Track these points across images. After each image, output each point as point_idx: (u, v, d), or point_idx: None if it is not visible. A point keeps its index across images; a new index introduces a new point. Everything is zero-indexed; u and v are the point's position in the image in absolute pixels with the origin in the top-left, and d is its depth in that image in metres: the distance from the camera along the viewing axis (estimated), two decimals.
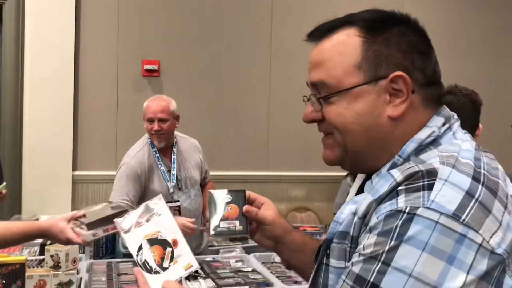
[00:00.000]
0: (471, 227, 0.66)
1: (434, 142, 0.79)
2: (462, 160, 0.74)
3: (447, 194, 0.68)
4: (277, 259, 2.50)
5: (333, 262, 0.80)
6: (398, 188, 0.72)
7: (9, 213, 3.49)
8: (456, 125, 0.83)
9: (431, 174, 0.71)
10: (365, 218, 0.75)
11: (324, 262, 0.83)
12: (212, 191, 1.12)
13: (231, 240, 2.75)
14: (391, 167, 0.78)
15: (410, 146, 0.79)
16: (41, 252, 2.41)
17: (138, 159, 2.68)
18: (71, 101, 3.69)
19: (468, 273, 0.65)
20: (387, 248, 0.67)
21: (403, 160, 0.78)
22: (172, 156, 2.75)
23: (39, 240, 2.71)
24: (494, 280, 0.67)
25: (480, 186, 0.71)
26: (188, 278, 2.18)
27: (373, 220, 0.72)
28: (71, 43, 3.68)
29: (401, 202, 0.69)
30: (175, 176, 2.72)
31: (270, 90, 4.10)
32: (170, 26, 3.95)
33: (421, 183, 0.70)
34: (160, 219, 1.09)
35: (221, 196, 1.10)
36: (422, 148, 0.79)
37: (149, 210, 1.11)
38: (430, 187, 0.69)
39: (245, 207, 1.08)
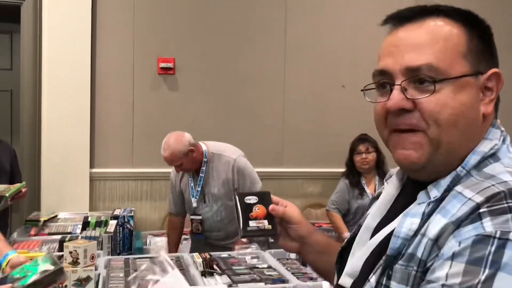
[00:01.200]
0: None
1: (493, 155, 0.77)
2: None
3: None
4: (292, 255, 2.50)
5: (393, 284, 0.74)
6: (480, 211, 0.67)
7: (29, 211, 3.55)
8: (509, 137, 0.81)
9: None
10: (437, 240, 0.70)
11: (384, 283, 0.77)
12: (237, 194, 1.14)
13: (261, 243, 2.81)
14: (454, 180, 0.75)
15: (473, 159, 0.76)
16: (60, 249, 2.45)
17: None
18: (88, 100, 3.74)
19: None
20: (483, 277, 0.63)
21: (466, 173, 0.75)
22: (200, 175, 2.92)
23: (58, 237, 2.77)
24: None
25: None
26: (204, 274, 2.20)
27: (453, 245, 0.67)
28: (88, 43, 3.72)
29: (488, 226, 0.65)
30: (199, 192, 2.92)
31: (285, 86, 4.10)
32: (185, 24, 3.97)
33: (506, 205, 0.66)
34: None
35: (246, 198, 1.12)
36: (482, 161, 0.76)
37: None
38: None
39: (272, 206, 1.09)
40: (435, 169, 0.78)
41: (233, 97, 4.03)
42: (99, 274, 2.14)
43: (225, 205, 2.91)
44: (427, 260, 0.70)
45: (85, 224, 3.07)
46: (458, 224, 0.68)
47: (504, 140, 0.79)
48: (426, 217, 0.74)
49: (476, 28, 0.79)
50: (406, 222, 0.75)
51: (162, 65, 3.90)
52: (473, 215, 0.67)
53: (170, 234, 3.09)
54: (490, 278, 0.62)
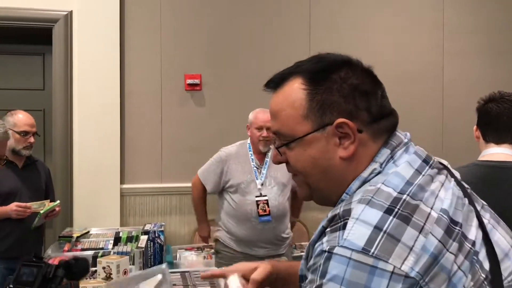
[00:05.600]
0: (380, 258, 0.73)
1: (378, 174, 0.86)
2: (384, 190, 0.81)
3: (357, 231, 0.76)
4: None
5: None
6: (326, 230, 0.81)
7: (61, 227, 3.63)
8: (400, 151, 0.89)
9: (346, 214, 0.79)
10: (307, 259, 0.85)
11: None
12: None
13: None
14: (338, 203, 0.87)
15: (355, 184, 0.87)
16: (94, 264, 2.50)
17: (227, 150, 3.21)
18: (118, 117, 3.83)
19: None
20: (314, 286, 0.77)
21: (349, 197, 0.86)
22: (266, 159, 3.17)
23: (91, 252, 2.83)
24: None
25: (390, 218, 0.77)
26: None
27: (311, 260, 0.81)
28: (117, 62, 3.82)
29: (325, 242, 0.79)
30: (264, 175, 3.12)
31: None
32: (210, 41, 4.04)
33: (339, 224, 0.79)
34: None
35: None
36: (365, 182, 0.86)
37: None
38: (344, 226, 0.78)
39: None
40: (326, 200, 0.93)
41: None
42: None
43: (283, 190, 3.12)
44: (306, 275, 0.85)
45: (117, 240, 3.13)
46: (314, 244, 0.83)
47: (392, 157, 0.88)
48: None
49: (324, 84, 0.88)
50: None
51: (189, 81, 3.97)
52: (322, 235, 0.82)
53: (201, 201, 3.23)
54: (320, 285, 0.76)
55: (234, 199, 3.10)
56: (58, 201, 3.10)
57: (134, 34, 3.92)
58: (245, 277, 1.10)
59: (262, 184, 3.10)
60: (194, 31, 4.02)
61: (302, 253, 3.23)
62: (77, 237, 3.29)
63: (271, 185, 3.11)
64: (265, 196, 3.07)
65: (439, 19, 4.37)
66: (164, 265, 1.20)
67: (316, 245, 0.81)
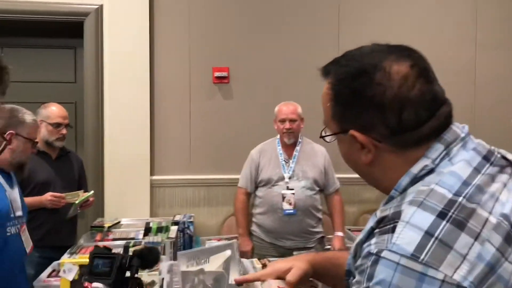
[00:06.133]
0: (430, 265, 0.71)
1: (431, 171, 0.82)
2: (438, 191, 0.77)
3: (406, 236, 0.73)
4: None
5: None
6: (374, 231, 0.79)
7: (93, 217, 3.71)
8: (457, 148, 0.83)
9: (396, 217, 0.77)
10: (355, 258, 0.84)
11: None
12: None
13: None
14: (388, 200, 0.85)
15: (404, 180, 0.84)
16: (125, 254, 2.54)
17: (258, 148, 3.30)
18: (148, 110, 3.88)
19: None
20: (363, 285, 0.76)
21: (399, 193, 0.84)
22: (294, 153, 3.20)
23: (122, 242, 2.88)
24: None
25: (443, 223, 0.73)
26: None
27: (359, 260, 0.80)
28: (146, 55, 3.87)
29: (373, 244, 0.77)
30: (292, 168, 3.14)
31: None
32: (238, 34, 4.04)
33: (388, 226, 0.77)
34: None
35: None
36: (417, 180, 0.83)
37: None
38: (393, 230, 0.75)
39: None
40: (376, 187, 0.93)
41: None
42: (162, 279, 2.20)
43: (310, 184, 3.15)
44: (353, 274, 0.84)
45: (147, 230, 3.18)
46: (361, 244, 0.82)
47: (448, 153, 0.83)
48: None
49: (345, 93, 0.87)
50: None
51: (217, 74, 3.99)
52: (370, 236, 0.80)
53: (242, 212, 3.25)
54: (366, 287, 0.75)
55: (262, 192, 3.18)
56: (92, 191, 3.17)
57: (164, 27, 3.95)
58: (281, 278, 1.11)
59: (289, 178, 3.12)
60: (223, 24, 4.03)
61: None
62: (109, 227, 3.36)
63: (299, 179, 3.14)
64: (292, 190, 3.09)
65: (471, 11, 4.27)
66: (233, 242, 1.21)
67: (364, 245, 0.80)
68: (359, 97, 0.85)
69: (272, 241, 3.14)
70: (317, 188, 3.19)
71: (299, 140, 3.25)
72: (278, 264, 1.15)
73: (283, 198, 3.08)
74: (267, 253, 3.04)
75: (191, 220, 3.19)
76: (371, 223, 0.82)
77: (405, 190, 0.83)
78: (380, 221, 0.79)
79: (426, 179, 0.81)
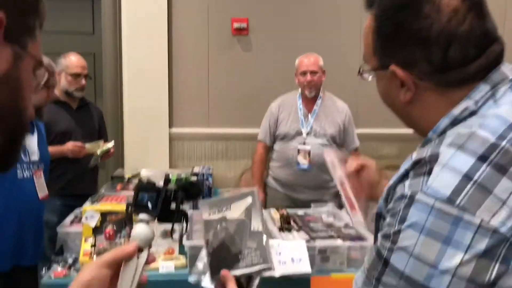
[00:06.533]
0: (467, 209, 0.68)
1: (473, 113, 0.78)
2: (479, 134, 0.73)
3: (443, 179, 0.71)
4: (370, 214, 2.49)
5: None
6: (409, 174, 0.76)
7: (113, 168, 3.76)
8: (504, 89, 0.78)
9: (433, 159, 0.74)
10: (387, 201, 0.81)
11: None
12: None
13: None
14: (424, 143, 0.82)
15: (444, 122, 0.80)
16: None
17: (278, 101, 3.26)
18: (166, 61, 3.84)
19: (466, 252, 0.68)
20: (392, 230, 0.74)
21: (437, 136, 0.80)
22: (314, 107, 3.15)
23: None
24: (498, 257, 0.68)
25: (483, 166, 0.70)
26: (281, 229, 2.25)
27: (391, 202, 0.78)
28: (164, 6, 3.80)
29: (407, 186, 0.75)
30: (310, 124, 3.12)
31: (361, 41, 3.98)
32: None
33: (424, 169, 0.74)
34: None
35: None
36: (458, 122, 0.78)
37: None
38: (430, 172, 0.73)
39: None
40: (413, 129, 0.89)
41: None
42: (182, 227, 2.24)
43: (328, 141, 3.11)
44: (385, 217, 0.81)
45: (167, 181, 3.20)
46: (395, 187, 0.78)
47: (493, 94, 0.78)
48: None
49: (388, 26, 0.83)
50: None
51: (236, 25, 3.91)
52: (404, 178, 0.77)
53: (258, 165, 3.27)
54: (398, 231, 0.73)
55: (279, 146, 3.19)
56: (113, 142, 3.20)
57: None
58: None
59: (307, 134, 3.11)
60: None
61: None
62: (129, 178, 3.40)
63: (316, 135, 3.12)
64: (308, 145, 3.09)
65: None
66: (254, 189, 1.23)
67: (397, 188, 0.77)
68: (403, 30, 0.80)
69: (287, 193, 3.19)
70: (334, 145, 3.17)
71: (320, 94, 3.21)
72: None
73: (299, 153, 3.09)
74: (282, 204, 3.06)
75: (210, 172, 3.21)
76: (405, 165, 0.79)
77: (443, 132, 0.79)
78: (416, 163, 0.76)
79: (467, 122, 0.77)
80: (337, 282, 1.97)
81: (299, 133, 3.12)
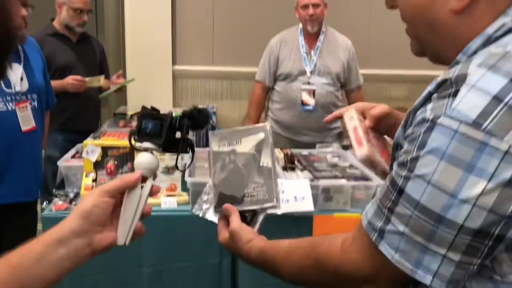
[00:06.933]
0: (494, 134, 0.62)
1: (509, 31, 0.70)
2: None
3: (470, 101, 0.64)
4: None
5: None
6: (432, 97, 0.69)
7: (116, 105, 3.72)
8: None
9: (460, 80, 0.66)
10: (405, 127, 0.74)
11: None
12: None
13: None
14: (453, 66, 0.73)
15: (476, 43, 0.72)
16: None
17: (278, 37, 3.08)
18: None
19: (489, 180, 0.62)
20: (409, 157, 0.68)
21: (466, 58, 0.71)
22: (317, 44, 2.99)
23: None
24: None
25: None
26: (285, 169, 2.22)
27: (410, 128, 0.71)
28: None
29: (429, 110, 0.68)
30: (314, 62, 2.97)
31: None
32: None
33: (449, 90, 0.67)
34: None
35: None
36: (491, 42, 0.70)
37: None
38: (455, 94, 0.66)
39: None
40: (439, 57, 0.80)
41: None
42: (185, 164, 2.22)
43: (332, 80, 3.00)
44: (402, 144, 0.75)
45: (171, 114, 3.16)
46: (416, 111, 0.71)
47: None
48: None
49: None
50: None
51: None
52: (426, 101, 0.70)
53: (255, 107, 3.14)
54: (416, 157, 0.67)
55: (281, 86, 3.05)
56: (134, 78, 3.13)
57: None
58: (364, 114, 1.07)
59: (311, 72, 2.97)
60: None
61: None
62: (131, 115, 3.35)
63: (320, 74, 2.98)
64: (313, 85, 2.96)
65: None
66: (267, 125, 1.17)
67: (418, 112, 0.70)
68: None
69: (289, 136, 3.08)
70: (339, 84, 3.06)
71: (323, 29, 3.05)
72: (361, 103, 1.12)
73: (303, 94, 2.97)
74: (283, 147, 3.01)
75: (214, 110, 3.16)
76: (429, 88, 0.71)
77: (474, 53, 0.71)
78: (440, 85, 0.69)
79: (502, 40, 0.69)
80: (339, 221, 1.96)
81: (302, 73, 2.98)
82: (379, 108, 1.05)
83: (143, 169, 0.87)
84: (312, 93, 2.96)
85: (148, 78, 3.73)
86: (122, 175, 0.86)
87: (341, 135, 3.19)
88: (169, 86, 3.80)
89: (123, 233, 0.83)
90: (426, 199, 0.66)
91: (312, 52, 3.00)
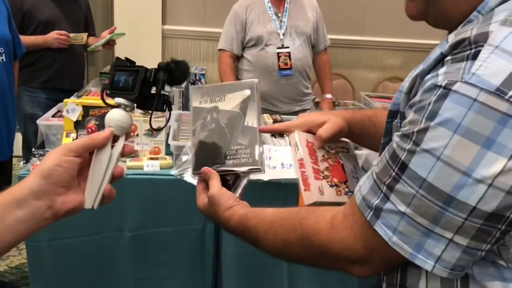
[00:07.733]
0: None
1: None
2: None
3: (493, 64, 0.55)
4: None
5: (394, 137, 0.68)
6: (445, 59, 0.60)
7: (103, 64, 3.61)
8: None
9: (480, 39, 0.57)
10: (410, 93, 0.66)
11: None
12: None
13: None
14: (465, 26, 0.64)
15: (492, 1, 0.63)
16: None
17: (241, 1, 2.86)
18: None
19: (510, 158, 0.54)
20: (416, 129, 0.60)
21: (483, 16, 0.63)
22: (286, 5, 2.80)
23: None
24: None
25: None
26: (274, 135, 2.15)
27: (417, 95, 0.62)
28: None
29: (441, 75, 0.59)
30: (285, 24, 2.79)
31: None
32: None
33: (467, 52, 0.58)
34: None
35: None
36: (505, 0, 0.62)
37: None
38: (475, 56, 0.56)
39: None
40: (443, 19, 0.69)
41: None
42: (170, 127, 2.15)
43: (306, 41, 2.84)
44: (405, 113, 0.66)
45: None
46: (424, 75, 0.63)
47: None
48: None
49: None
50: (409, 76, 0.68)
51: None
52: (438, 65, 0.62)
53: (230, 76, 2.82)
54: (424, 128, 0.59)
55: (253, 53, 2.81)
56: (124, 33, 3.00)
57: None
58: (312, 132, 0.97)
59: (283, 35, 2.77)
60: None
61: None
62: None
63: (292, 35, 2.80)
64: (287, 47, 2.77)
65: None
66: (256, 80, 1.08)
67: (428, 77, 0.61)
68: None
69: (267, 107, 2.84)
70: (310, 46, 2.89)
71: None
72: (311, 116, 1.00)
73: (279, 58, 2.76)
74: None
75: (203, 72, 3.05)
76: (441, 48, 0.62)
77: (491, 11, 0.62)
78: (456, 46, 0.60)
79: None
80: None
81: (275, 35, 2.77)
82: (329, 128, 0.94)
83: (115, 126, 0.80)
84: (288, 56, 2.77)
85: (137, 38, 3.60)
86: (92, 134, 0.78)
87: (319, 104, 3.08)
88: (158, 46, 3.69)
89: (91, 196, 0.76)
90: (434, 177, 0.58)
91: (281, 14, 2.80)
